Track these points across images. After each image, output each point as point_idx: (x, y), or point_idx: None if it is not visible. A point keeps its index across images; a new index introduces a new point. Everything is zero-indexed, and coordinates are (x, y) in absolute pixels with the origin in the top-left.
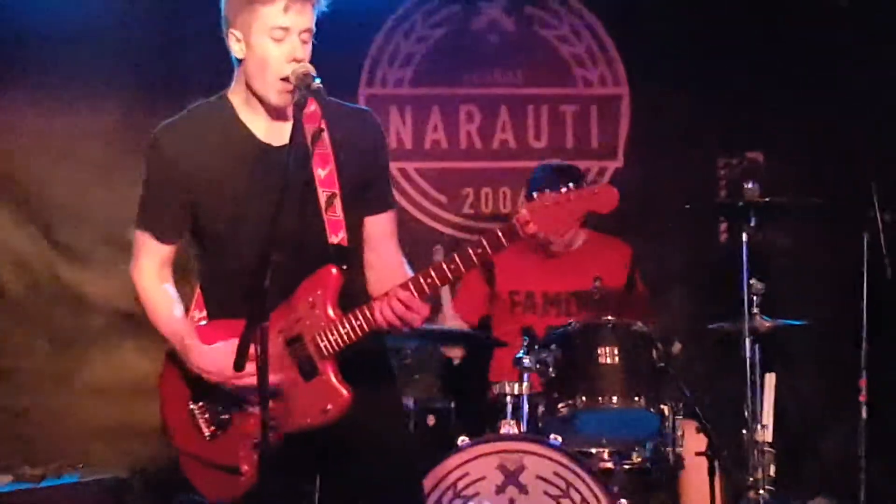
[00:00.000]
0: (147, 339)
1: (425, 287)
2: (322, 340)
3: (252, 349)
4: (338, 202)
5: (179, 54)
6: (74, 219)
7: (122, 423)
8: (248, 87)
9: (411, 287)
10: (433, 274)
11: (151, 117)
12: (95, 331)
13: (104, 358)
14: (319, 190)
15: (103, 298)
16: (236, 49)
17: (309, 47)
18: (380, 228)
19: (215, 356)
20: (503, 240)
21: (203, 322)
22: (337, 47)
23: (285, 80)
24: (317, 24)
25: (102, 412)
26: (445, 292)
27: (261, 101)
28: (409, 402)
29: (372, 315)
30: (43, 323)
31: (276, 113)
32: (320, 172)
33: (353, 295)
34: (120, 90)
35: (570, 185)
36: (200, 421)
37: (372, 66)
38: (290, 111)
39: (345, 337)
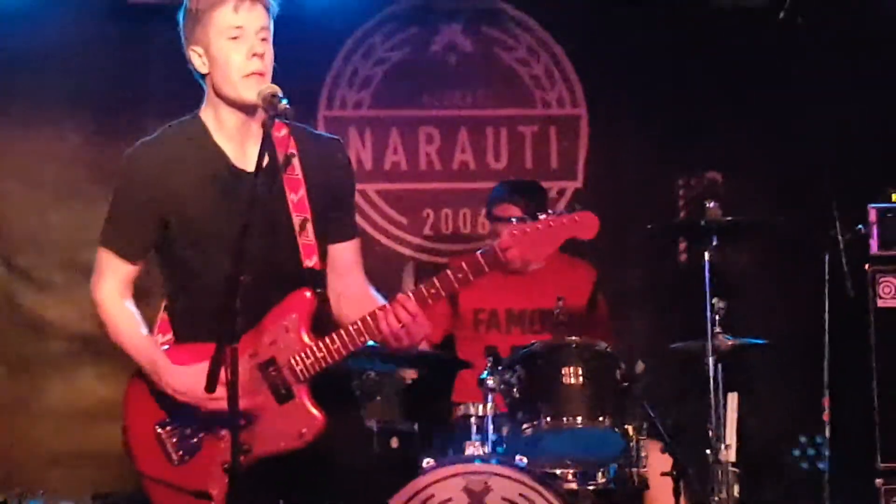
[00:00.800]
0: (106, 365)
1: (427, 298)
2: (297, 364)
3: (223, 372)
4: (310, 227)
5: (140, 78)
6: (33, 243)
7: (82, 448)
8: (219, 96)
9: (413, 297)
10: (412, 298)
11: (112, 141)
12: (54, 356)
13: (63, 383)
14: (293, 214)
15: (62, 323)
16: (199, 65)
17: (269, 46)
18: (347, 256)
19: (188, 376)
20: (484, 265)
21: (167, 346)
22: (296, 69)
23: (249, 76)
24: (276, 48)
25: (61, 438)
26: None
27: (233, 106)
28: (373, 424)
29: (375, 324)
30: (0, 348)
31: (247, 133)
32: (293, 197)
33: (321, 319)
34: (80, 114)
35: (550, 212)
36: (168, 444)
37: (331, 87)
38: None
39: (321, 361)
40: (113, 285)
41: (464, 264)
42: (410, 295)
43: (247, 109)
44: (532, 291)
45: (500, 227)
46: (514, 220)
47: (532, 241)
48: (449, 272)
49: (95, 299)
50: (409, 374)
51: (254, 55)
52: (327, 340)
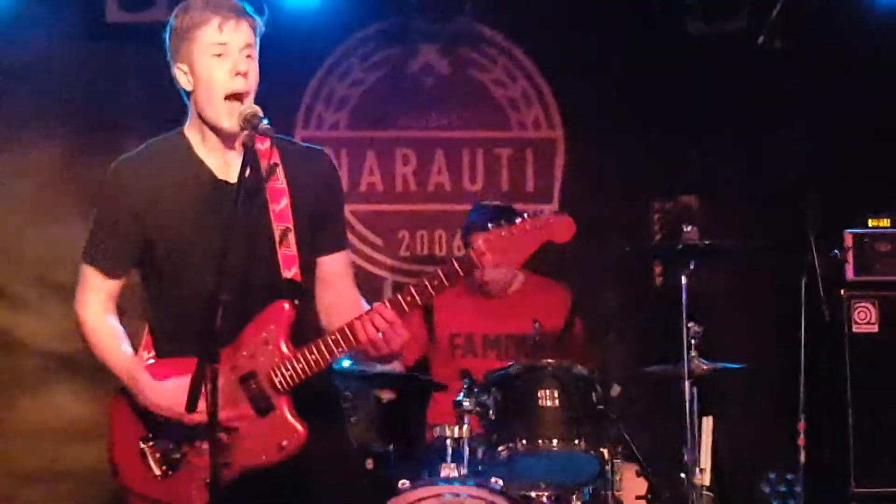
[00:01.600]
0: (80, 382)
1: (404, 305)
2: (276, 376)
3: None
4: (292, 237)
5: (117, 97)
6: (7, 260)
7: (55, 466)
8: (201, 117)
9: (390, 305)
10: (388, 306)
11: (88, 159)
12: (27, 373)
13: (35, 401)
14: (274, 224)
15: (35, 340)
16: (184, 82)
17: (255, 65)
18: (336, 268)
19: (169, 392)
20: (459, 271)
21: (151, 361)
22: (273, 89)
23: (231, 97)
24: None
25: (34, 455)
26: None
27: (213, 129)
28: None
29: (352, 333)
30: None
31: (231, 147)
32: (275, 207)
33: (304, 330)
34: (57, 132)
35: (525, 215)
36: (151, 459)
37: (308, 108)
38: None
39: (300, 372)
40: (96, 302)
41: (439, 271)
42: (387, 303)
43: (224, 133)
44: (508, 316)
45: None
46: (489, 225)
47: (507, 245)
48: (425, 280)
49: (78, 316)
50: (386, 395)
51: (237, 73)
52: (306, 351)
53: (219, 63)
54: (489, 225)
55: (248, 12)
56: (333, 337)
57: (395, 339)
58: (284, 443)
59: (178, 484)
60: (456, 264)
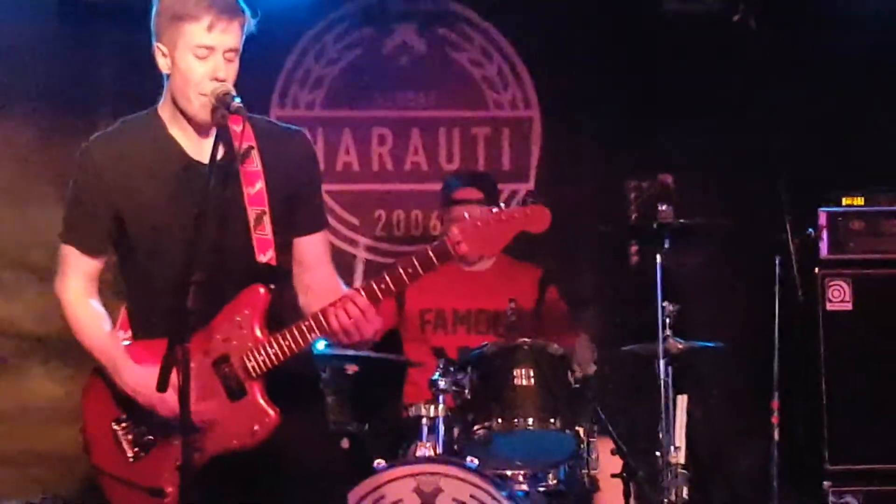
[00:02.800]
0: (56, 365)
1: (378, 293)
2: (249, 360)
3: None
4: (267, 220)
5: (91, 77)
6: None
7: (31, 449)
8: (174, 101)
9: (364, 293)
10: (363, 293)
11: (64, 141)
12: (3, 356)
13: (12, 383)
14: (248, 208)
15: (10, 323)
16: (162, 63)
17: (234, 66)
18: (313, 248)
19: (145, 377)
20: (434, 259)
21: (127, 342)
22: (248, 69)
23: (205, 95)
24: None
25: (10, 438)
26: None
27: (185, 116)
28: None
29: (326, 320)
30: None
31: (203, 129)
32: (249, 190)
33: (280, 314)
34: (32, 114)
35: (502, 204)
36: (123, 441)
37: (283, 87)
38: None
39: (273, 357)
40: (77, 282)
41: (414, 259)
42: (361, 291)
43: (199, 122)
44: (478, 292)
45: (457, 211)
46: (466, 215)
47: (483, 234)
48: (399, 267)
49: (60, 297)
50: (351, 368)
51: (215, 79)
52: (279, 337)
53: (200, 64)
54: (472, 183)
55: (241, 10)
56: (307, 323)
57: (367, 327)
58: (256, 427)
59: (149, 466)
60: (431, 252)
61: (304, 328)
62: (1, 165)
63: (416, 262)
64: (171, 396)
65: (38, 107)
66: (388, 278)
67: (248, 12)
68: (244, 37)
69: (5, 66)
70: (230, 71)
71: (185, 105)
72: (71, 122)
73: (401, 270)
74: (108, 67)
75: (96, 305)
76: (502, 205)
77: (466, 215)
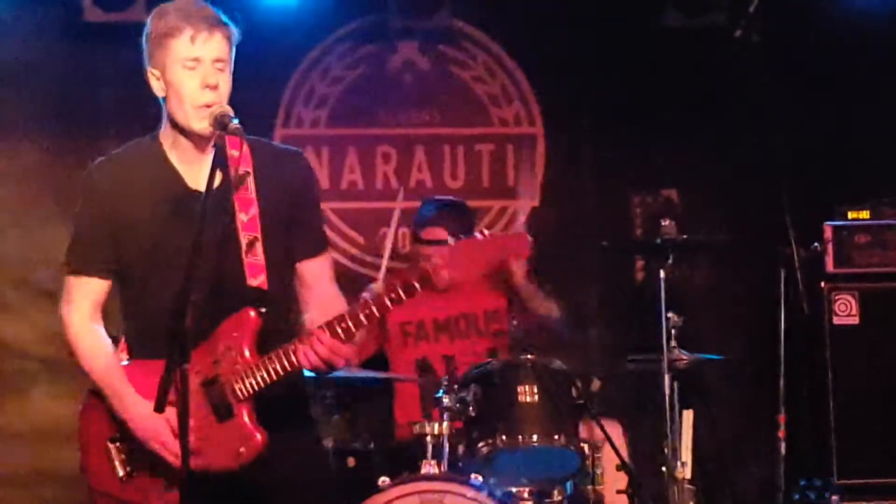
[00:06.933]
0: (61, 384)
1: (340, 332)
2: (237, 383)
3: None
4: (259, 246)
5: (96, 97)
6: None
7: (35, 468)
8: (173, 123)
9: (328, 332)
10: (347, 319)
11: (67, 160)
12: (7, 375)
13: (17, 403)
14: (241, 234)
15: (16, 342)
16: (156, 87)
17: (226, 76)
18: (316, 271)
19: (145, 411)
20: (416, 286)
21: (126, 363)
22: (253, 88)
23: (201, 107)
24: (233, 64)
25: (14, 458)
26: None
27: (185, 134)
28: (329, 443)
29: (296, 358)
30: None
31: (203, 151)
32: (243, 217)
33: (272, 337)
34: (35, 132)
35: (485, 231)
36: (116, 460)
37: (288, 106)
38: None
39: (260, 380)
40: (81, 310)
41: (398, 286)
42: (325, 329)
43: (197, 137)
44: (453, 297)
45: (423, 249)
46: (447, 240)
47: (465, 261)
48: (383, 294)
49: (65, 327)
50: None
51: (207, 86)
52: (267, 360)
53: (190, 75)
54: (438, 221)
55: (223, 22)
56: (293, 347)
57: (338, 361)
58: (242, 449)
59: (140, 486)
60: (413, 280)
61: (291, 352)
62: (5, 185)
63: (399, 289)
64: (165, 430)
65: (43, 126)
66: (373, 305)
67: (231, 25)
68: (233, 49)
69: (10, 86)
70: (222, 80)
71: (183, 122)
72: (75, 142)
73: (384, 298)
74: (113, 88)
75: (100, 332)
76: (486, 231)
77: (450, 240)
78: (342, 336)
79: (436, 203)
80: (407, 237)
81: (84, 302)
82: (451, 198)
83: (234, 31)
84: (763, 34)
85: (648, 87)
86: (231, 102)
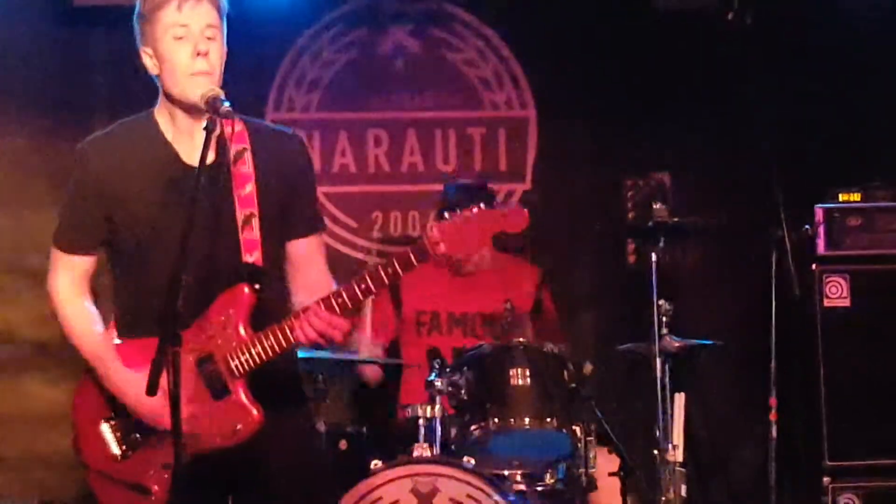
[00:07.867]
0: (53, 369)
1: (336, 307)
2: (233, 360)
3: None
4: (255, 222)
5: (86, 80)
6: None
7: (29, 453)
8: (169, 98)
9: (324, 306)
10: (343, 294)
11: (58, 144)
12: (0, 360)
13: (9, 388)
14: (238, 209)
15: (8, 327)
16: (151, 66)
17: (217, 45)
18: (307, 251)
19: (135, 382)
20: (413, 260)
21: (118, 342)
22: (243, 71)
23: (195, 75)
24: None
25: (8, 442)
26: (368, 319)
27: (183, 107)
28: (321, 426)
29: (291, 332)
30: None
31: (201, 119)
32: (240, 192)
33: (267, 315)
34: (26, 117)
35: (481, 204)
36: (112, 439)
37: (279, 90)
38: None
39: (256, 357)
40: (67, 282)
41: (394, 260)
42: (321, 304)
43: (194, 109)
44: (475, 294)
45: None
46: (445, 213)
47: (462, 234)
48: (379, 267)
49: (51, 295)
50: (373, 375)
51: (198, 54)
52: (262, 336)
53: (180, 45)
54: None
55: None
56: (289, 323)
57: (335, 334)
58: (239, 426)
59: (136, 465)
60: (410, 253)
61: (287, 328)
62: None
63: (395, 263)
64: (158, 402)
65: (34, 110)
66: (369, 279)
67: None
68: (223, 19)
69: (0, 69)
70: (213, 48)
71: (179, 94)
72: (66, 126)
73: (380, 271)
74: (103, 71)
75: (87, 305)
76: (482, 204)
77: (447, 215)
78: (338, 311)
79: (460, 185)
80: (398, 221)
81: (68, 273)
82: (470, 181)
83: (222, 1)
84: (755, 17)
85: (641, 71)
86: (222, 86)
